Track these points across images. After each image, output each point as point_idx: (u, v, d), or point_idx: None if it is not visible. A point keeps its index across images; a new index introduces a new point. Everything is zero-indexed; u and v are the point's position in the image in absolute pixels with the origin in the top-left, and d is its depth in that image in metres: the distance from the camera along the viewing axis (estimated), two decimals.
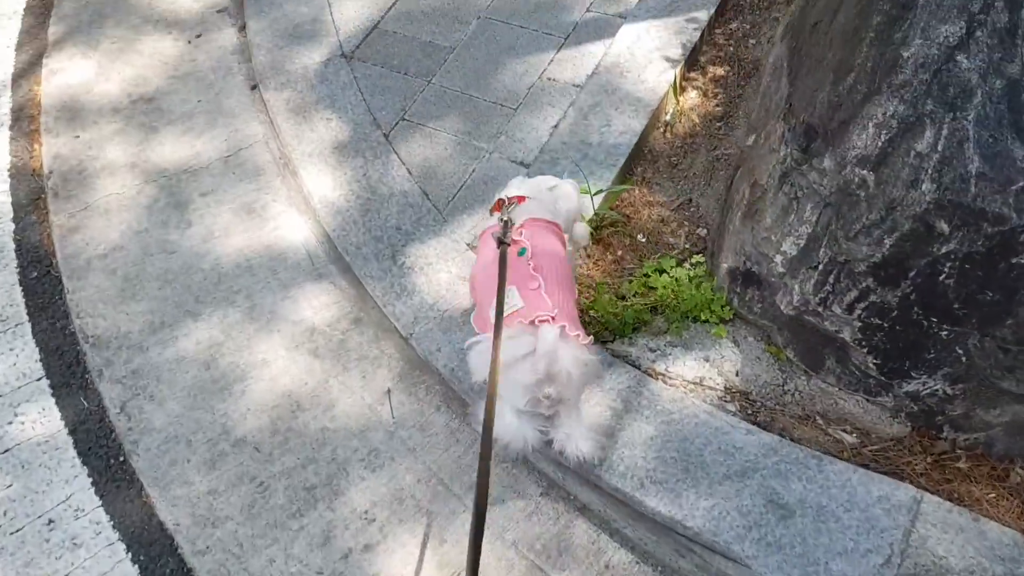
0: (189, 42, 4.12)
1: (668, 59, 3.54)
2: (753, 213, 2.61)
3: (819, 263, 2.32)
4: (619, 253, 3.13)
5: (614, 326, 2.84)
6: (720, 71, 3.59)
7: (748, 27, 3.69)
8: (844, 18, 2.36)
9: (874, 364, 2.35)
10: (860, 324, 2.28)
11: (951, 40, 2.07)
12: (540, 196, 2.60)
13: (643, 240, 3.16)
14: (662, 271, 2.95)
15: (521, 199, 2.55)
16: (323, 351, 3.01)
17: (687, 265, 2.94)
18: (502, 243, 2.35)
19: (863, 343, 2.32)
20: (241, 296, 3.18)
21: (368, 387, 2.92)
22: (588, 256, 3.12)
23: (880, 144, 2.12)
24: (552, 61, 3.71)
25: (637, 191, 3.30)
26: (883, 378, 2.37)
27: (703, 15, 3.67)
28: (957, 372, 2.26)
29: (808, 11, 2.70)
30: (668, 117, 3.49)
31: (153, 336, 3.09)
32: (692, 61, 3.62)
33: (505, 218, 2.44)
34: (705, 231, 3.16)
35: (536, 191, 2.61)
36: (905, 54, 2.11)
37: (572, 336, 2.16)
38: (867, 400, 2.48)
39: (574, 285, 2.47)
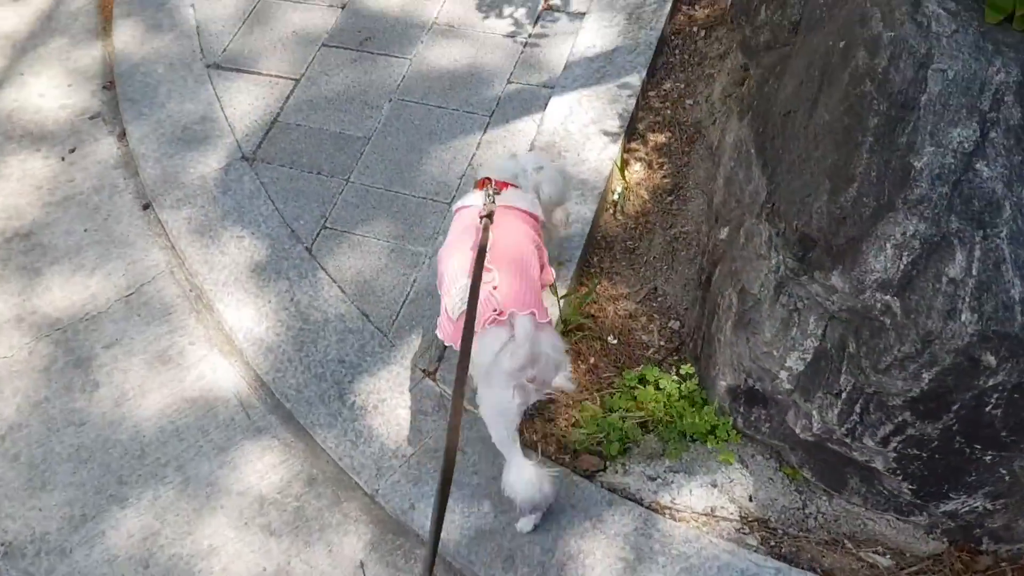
0: (63, 159, 3.63)
1: (607, 133, 3.28)
2: (747, 323, 2.38)
3: (841, 391, 2.10)
4: (591, 360, 2.86)
5: (604, 452, 2.57)
6: (661, 138, 3.35)
7: (683, 87, 3.46)
8: (828, 114, 2.14)
9: (909, 490, 2.15)
10: (895, 455, 2.08)
11: (966, 145, 1.87)
12: (523, 177, 2.60)
13: (615, 342, 2.90)
14: (646, 381, 2.69)
15: (504, 185, 2.53)
16: (278, 525, 2.64)
17: (674, 376, 2.69)
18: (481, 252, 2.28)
19: (898, 472, 2.12)
20: (171, 469, 2.76)
21: (337, 563, 2.56)
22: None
23: (902, 267, 1.90)
24: (480, 144, 3.40)
25: (599, 285, 3.03)
26: (918, 501, 2.18)
27: (635, 79, 3.42)
28: (999, 490, 2.08)
29: (772, 94, 2.48)
30: (616, 197, 3.23)
31: (76, 534, 2.65)
32: (631, 130, 3.37)
33: (484, 217, 2.39)
34: (678, 323, 2.93)
35: (520, 170, 2.62)
36: (917, 164, 1.89)
37: (543, 323, 2.21)
38: (898, 519, 2.28)
39: (537, 275, 2.43)
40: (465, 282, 2.23)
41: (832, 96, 2.14)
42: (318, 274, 3.13)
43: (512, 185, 2.57)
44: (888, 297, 1.93)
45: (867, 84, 2.03)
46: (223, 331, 3.05)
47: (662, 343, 2.89)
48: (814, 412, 2.19)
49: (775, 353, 2.29)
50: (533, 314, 2.17)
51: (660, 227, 3.15)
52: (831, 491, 2.36)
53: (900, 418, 2.00)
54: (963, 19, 1.98)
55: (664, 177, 3.26)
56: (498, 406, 2.22)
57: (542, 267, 2.50)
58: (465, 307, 2.15)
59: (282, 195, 3.36)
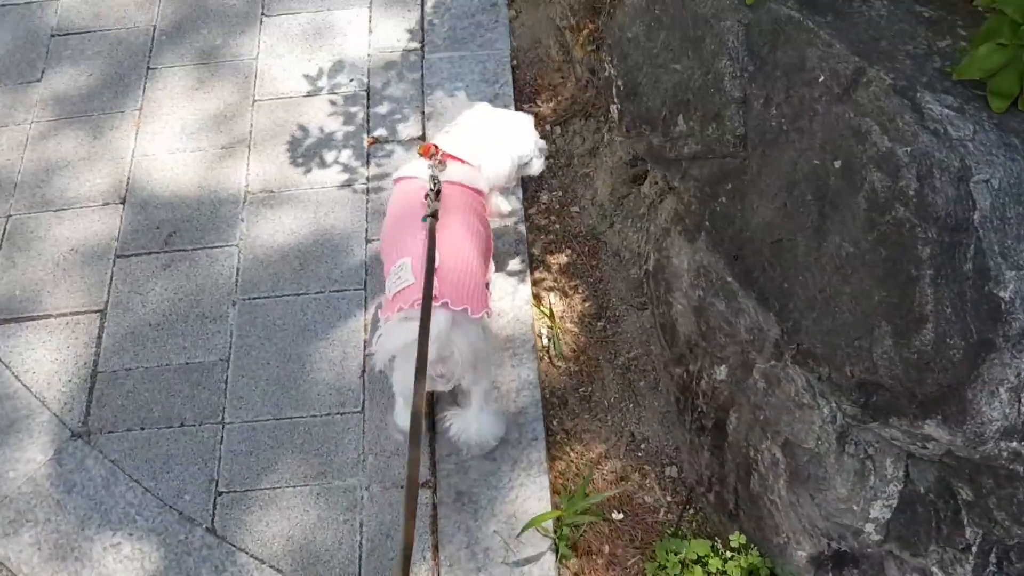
0: None
1: (510, 273, 2.87)
2: (806, 480, 2.10)
3: (969, 544, 1.87)
4: (607, 550, 2.47)
5: None
6: (563, 258, 2.99)
7: (561, 194, 3.11)
8: (852, 246, 1.88)
9: None
10: None
11: None
12: (474, 143, 2.52)
13: (620, 517, 2.53)
14: (688, 564, 2.34)
15: (448, 156, 2.47)
16: None
17: (725, 551, 2.35)
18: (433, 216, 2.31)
19: None
20: None
21: None
22: (576, 575, 2.42)
23: None
24: (368, 326, 2.86)
25: (572, 452, 2.64)
26: None
27: (512, 201, 3.02)
28: None
29: (734, 216, 2.19)
30: (547, 342, 2.83)
31: None
32: (531, 260, 2.98)
33: (432, 190, 2.36)
34: (675, 468, 2.61)
35: (474, 135, 2.53)
36: (1004, 294, 1.67)
37: (472, 319, 2.23)
38: None
39: (480, 258, 2.40)
40: (405, 261, 2.25)
41: (848, 224, 1.89)
42: (238, 559, 2.49)
43: (454, 158, 2.48)
44: (1016, 444, 1.71)
45: (899, 210, 1.78)
46: None
47: (669, 499, 2.56)
48: (934, 568, 1.94)
49: (855, 508, 2.02)
50: (466, 309, 2.20)
51: (605, 360, 2.80)
52: None
53: None
54: (972, 114, 1.79)
55: (584, 301, 2.91)
56: (403, 384, 2.25)
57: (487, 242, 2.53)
58: (400, 287, 2.22)
59: (147, 469, 2.64)
